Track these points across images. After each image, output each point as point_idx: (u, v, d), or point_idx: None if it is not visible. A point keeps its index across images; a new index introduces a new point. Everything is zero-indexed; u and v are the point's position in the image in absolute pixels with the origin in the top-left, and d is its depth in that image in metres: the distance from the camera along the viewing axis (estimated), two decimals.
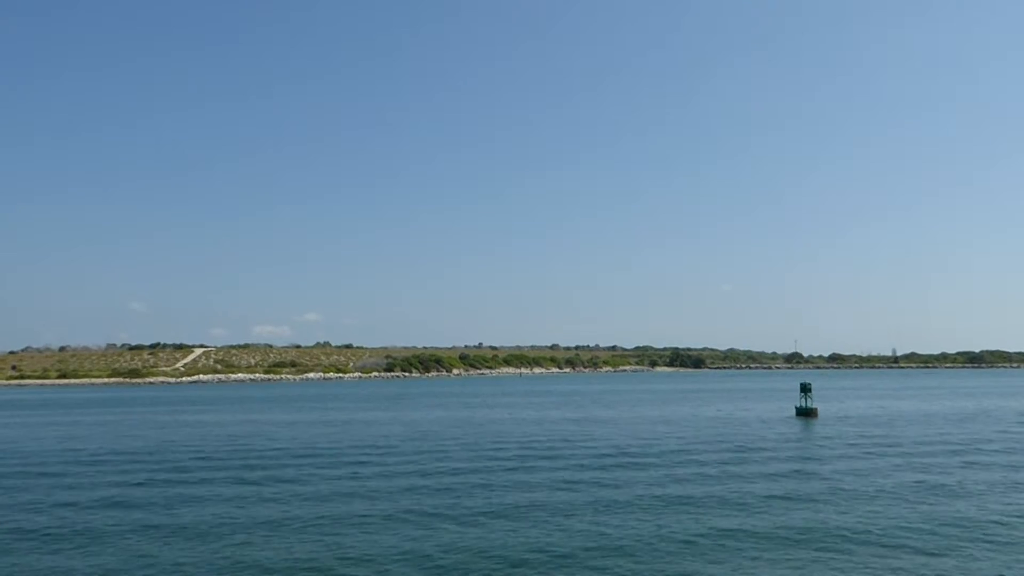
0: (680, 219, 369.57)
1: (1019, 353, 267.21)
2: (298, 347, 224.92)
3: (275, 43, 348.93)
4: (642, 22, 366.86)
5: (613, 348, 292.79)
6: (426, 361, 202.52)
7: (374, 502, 22.16)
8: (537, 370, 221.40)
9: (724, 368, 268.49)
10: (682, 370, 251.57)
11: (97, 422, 55.17)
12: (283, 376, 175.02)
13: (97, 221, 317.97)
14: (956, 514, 19.94)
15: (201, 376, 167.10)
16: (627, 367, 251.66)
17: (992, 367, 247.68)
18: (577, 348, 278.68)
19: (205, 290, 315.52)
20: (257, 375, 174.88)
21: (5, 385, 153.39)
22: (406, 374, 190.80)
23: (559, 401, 77.65)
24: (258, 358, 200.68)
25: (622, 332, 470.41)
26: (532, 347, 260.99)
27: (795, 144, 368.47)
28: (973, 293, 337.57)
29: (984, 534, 17.81)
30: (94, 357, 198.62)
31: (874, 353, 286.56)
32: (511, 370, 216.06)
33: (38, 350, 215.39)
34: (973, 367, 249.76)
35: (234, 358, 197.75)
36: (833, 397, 79.91)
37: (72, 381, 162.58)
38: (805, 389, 55.41)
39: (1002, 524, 18.78)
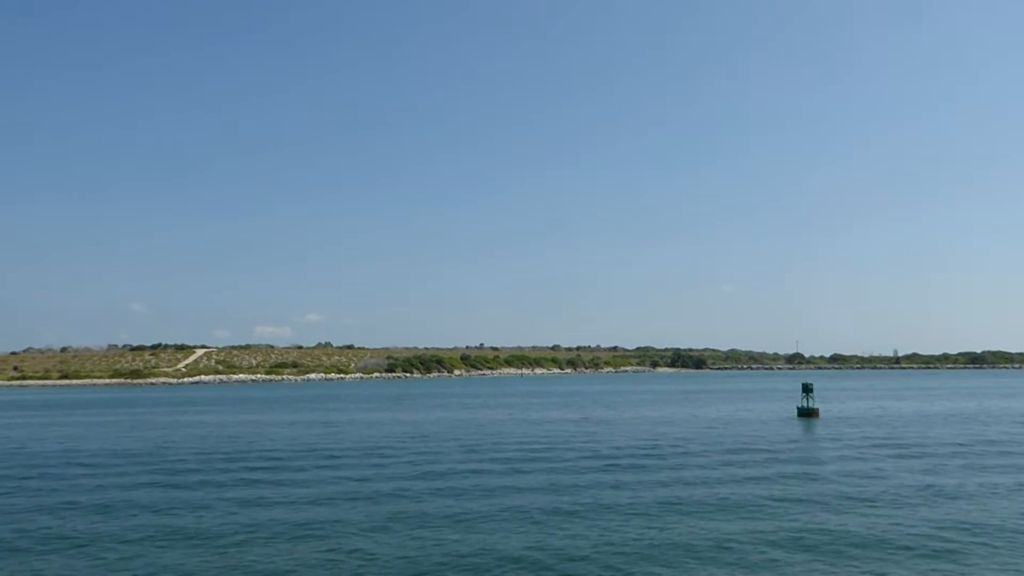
0: (680, 219, 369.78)
1: (1020, 354, 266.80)
2: (299, 348, 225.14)
3: (275, 43, 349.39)
4: (642, 22, 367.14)
5: (614, 349, 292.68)
6: (427, 362, 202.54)
7: (375, 504, 22.14)
8: (538, 371, 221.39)
9: (725, 369, 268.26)
10: (683, 371, 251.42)
11: (99, 423, 55.21)
12: (284, 377, 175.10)
13: (98, 221, 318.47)
14: (958, 517, 19.91)
15: (202, 377, 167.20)
16: (628, 368, 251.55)
17: (994, 368, 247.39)
18: (578, 349, 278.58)
19: (206, 291, 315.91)
20: (258, 376, 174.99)
21: (7, 386, 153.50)
22: (407, 375, 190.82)
23: (560, 402, 77.63)
24: (259, 359, 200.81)
25: (623, 333, 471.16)
26: (533, 348, 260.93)
27: (795, 144, 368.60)
28: (974, 293, 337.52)
29: (985, 537, 17.78)
30: (95, 358, 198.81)
31: (875, 354, 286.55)
32: (512, 371, 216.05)
33: (39, 351, 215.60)
34: (975, 368, 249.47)
35: (235, 359, 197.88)
36: (835, 398, 79.85)
37: (73, 382, 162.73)
38: (807, 390, 55.38)
39: (1005, 528, 18.75)
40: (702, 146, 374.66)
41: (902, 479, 25.81)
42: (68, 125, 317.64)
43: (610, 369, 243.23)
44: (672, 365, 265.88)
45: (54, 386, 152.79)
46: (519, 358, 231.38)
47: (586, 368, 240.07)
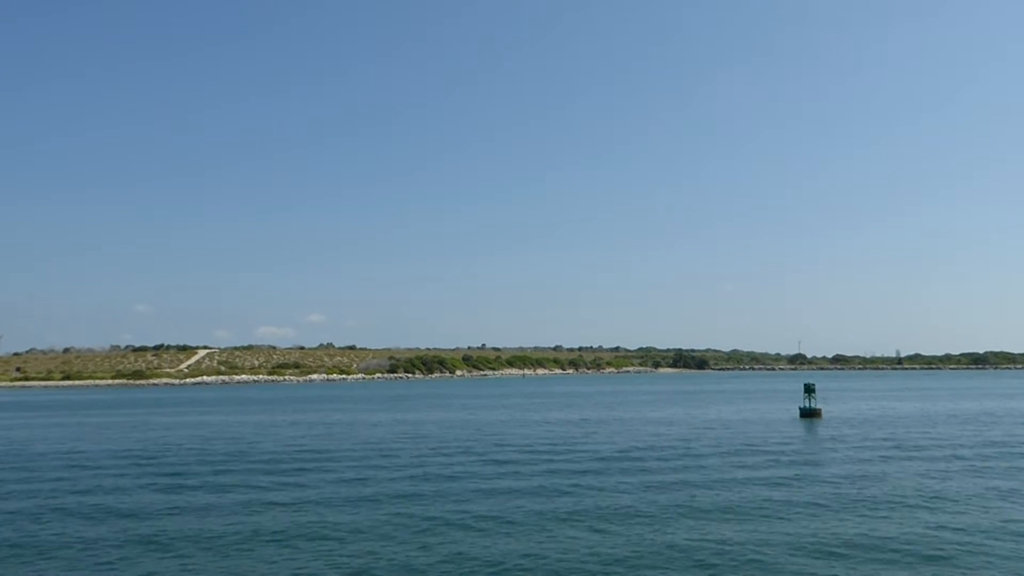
0: (682, 219, 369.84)
1: (1023, 354, 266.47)
2: (302, 348, 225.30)
3: (277, 45, 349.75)
4: (643, 22, 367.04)
5: (616, 349, 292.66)
6: (429, 362, 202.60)
7: (376, 506, 22.13)
8: (540, 371, 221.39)
9: (727, 369, 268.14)
10: (685, 371, 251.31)
11: (101, 424, 55.27)
12: (286, 377, 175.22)
13: (101, 223, 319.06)
14: (959, 520, 19.87)
15: (205, 378, 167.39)
16: (630, 368, 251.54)
17: (996, 368, 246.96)
18: (580, 349, 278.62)
19: (209, 291, 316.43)
20: (260, 376, 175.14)
21: (10, 387, 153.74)
22: (409, 375, 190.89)
23: (562, 403, 77.62)
24: (262, 359, 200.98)
25: (625, 333, 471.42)
26: (535, 348, 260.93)
27: (797, 144, 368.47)
28: (977, 294, 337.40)
29: (987, 539, 17.75)
30: (98, 359, 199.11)
31: (877, 354, 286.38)
32: (514, 371, 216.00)
33: (42, 352, 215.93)
34: (977, 368, 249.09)
35: (238, 359, 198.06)
36: (837, 398, 79.79)
37: (76, 383, 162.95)
38: (809, 390, 55.35)
39: (1007, 532, 18.71)
40: (704, 146, 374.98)
41: (904, 481, 25.77)
42: (69, 125, 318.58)
43: (612, 370, 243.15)
44: (674, 366, 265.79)
45: (57, 387, 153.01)
46: (521, 359, 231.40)
47: (588, 369, 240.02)
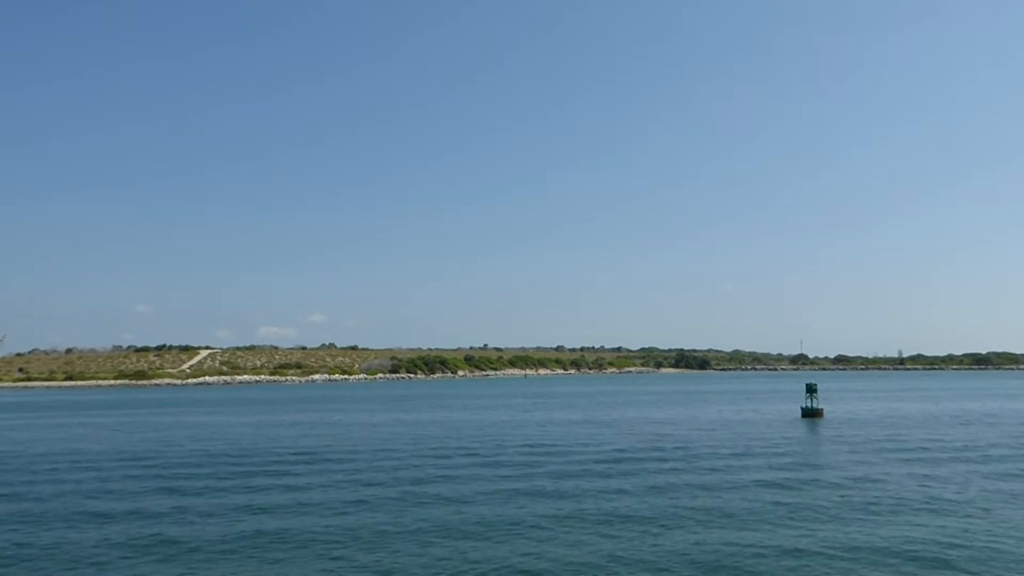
0: (683, 219, 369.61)
1: None
2: (303, 348, 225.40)
3: (277, 45, 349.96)
4: (643, 22, 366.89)
5: (618, 349, 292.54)
6: (431, 362, 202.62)
7: (377, 507, 22.13)
8: (542, 371, 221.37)
9: (729, 369, 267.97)
10: (687, 371, 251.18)
11: (103, 424, 55.33)
12: (288, 377, 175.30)
13: (101, 223, 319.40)
14: (961, 523, 19.83)
15: (207, 378, 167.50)
16: (632, 368, 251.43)
17: (998, 368, 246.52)
18: (582, 349, 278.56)
19: (210, 292, 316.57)
20: (262, 377, 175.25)
21: (12, 387, 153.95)
22: (411, 375, 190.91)
23: (564, 403, 77.61)
24: (263, 359, 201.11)
25: (627, 333, 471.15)
26: (537, 348, 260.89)
27: (798, 144, 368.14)
28: (979, 294, 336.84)
29: (991, 542, 17.71)
30: (100, 359, 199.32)
31: (880, 354, 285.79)
32: (516, 371, 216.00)
33: (44, 352, 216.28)
34: (979, 368, 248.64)
35: (239, 360, 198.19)
36: (839, 398, 79.73)
37: (78, 383, 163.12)
38: (811, 390, 55.31)
39: (1011, 535, 18.67)
40: (704, 146, 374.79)
41: (906, 483, 25.72)
42: (69, 125, 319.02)
43: (614, 370, 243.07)
44: (676, 366, 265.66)
45: (59, 387, 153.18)
46: (523, 359, 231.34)
47: (590, 369, 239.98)
